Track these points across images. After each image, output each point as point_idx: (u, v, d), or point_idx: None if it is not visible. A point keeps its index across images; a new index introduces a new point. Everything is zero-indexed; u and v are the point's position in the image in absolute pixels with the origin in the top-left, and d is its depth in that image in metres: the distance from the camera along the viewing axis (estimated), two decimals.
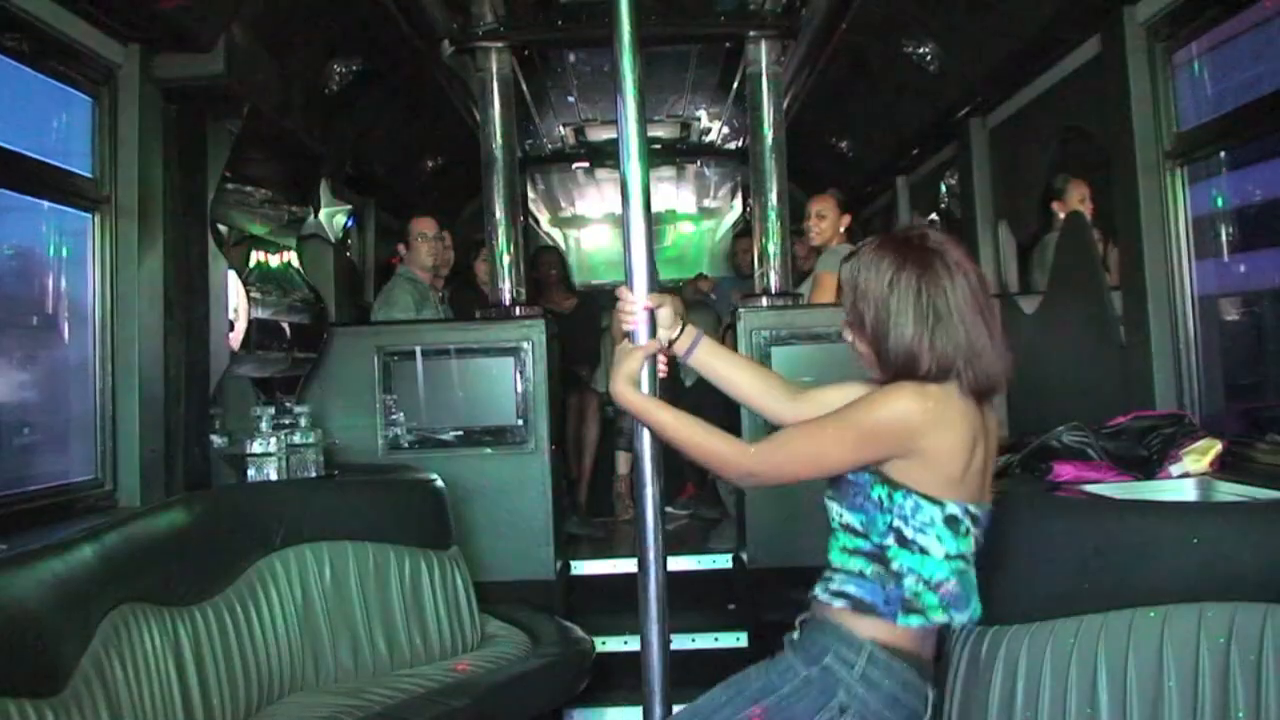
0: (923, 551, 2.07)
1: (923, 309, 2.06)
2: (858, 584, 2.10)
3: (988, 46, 4.36)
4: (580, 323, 6.78)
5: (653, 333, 2.30)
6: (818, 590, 2.16)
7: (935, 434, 2.05)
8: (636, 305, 2.25)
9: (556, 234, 9.90)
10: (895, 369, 2.09)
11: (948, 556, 2.08)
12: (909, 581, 2.07)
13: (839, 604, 2.11)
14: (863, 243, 2.34)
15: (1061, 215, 4.44)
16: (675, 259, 9.72)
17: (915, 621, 2.07)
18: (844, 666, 2.07)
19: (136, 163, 3.51)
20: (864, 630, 2.08)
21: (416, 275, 5.57)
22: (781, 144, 5.24)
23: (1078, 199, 4.31)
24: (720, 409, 5.38)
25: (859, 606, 2.09)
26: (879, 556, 2.09)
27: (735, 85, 6.33)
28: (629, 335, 2.26)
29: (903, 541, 2.07)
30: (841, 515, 2.14)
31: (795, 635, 2.20)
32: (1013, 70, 4.42)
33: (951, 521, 2.07)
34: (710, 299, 7.69)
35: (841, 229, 5.48)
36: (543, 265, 7.26)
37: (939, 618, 2.08)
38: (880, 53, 5.13)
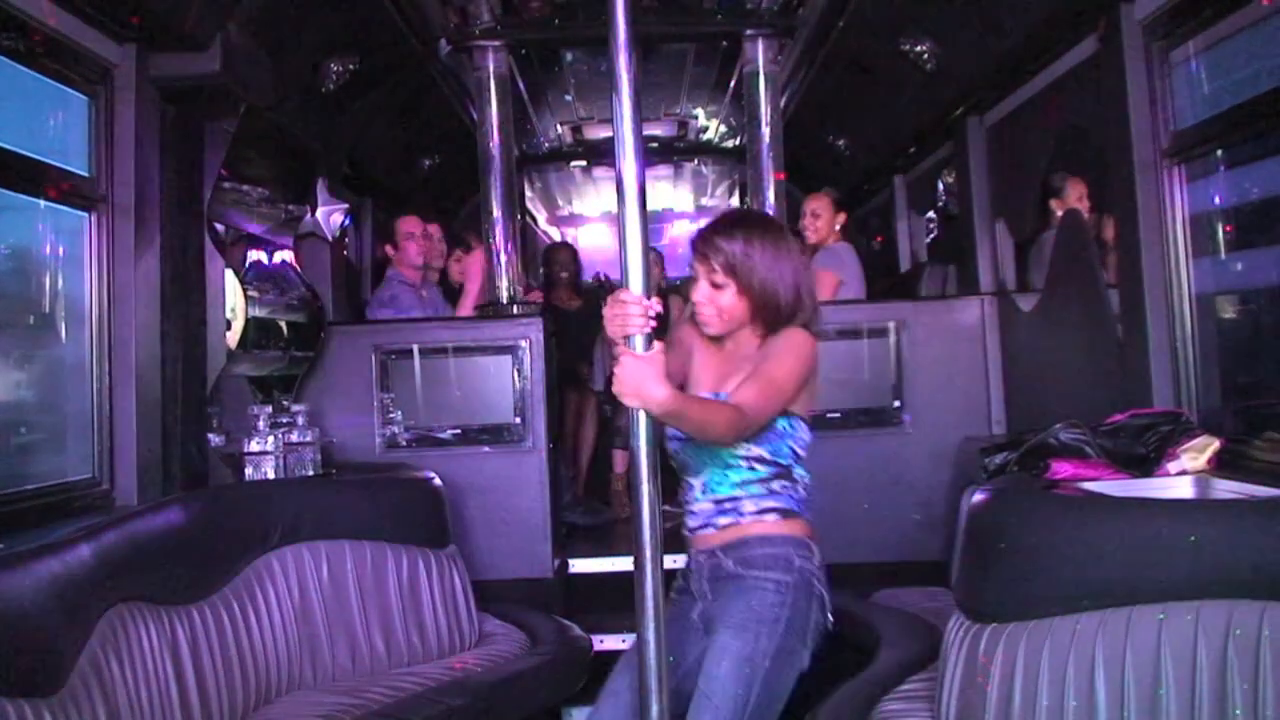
0: (803, 463, 2.63)
1: (798, 267, 2.63)
2: (776, 498, 2.59)
3: (985, 45, 4.36)
4: (584, 322, 6.76)
5: (662, 333, 2.30)
6: (730, 519, 2.60)
7: (814, 364, 2.60)
8: (642, 306, 2.21)
9: (554, 232, 9.90)
10: (780, 319, 2.59)
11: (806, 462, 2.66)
12: (801, 486, 2.63)
13: (771, 518, 2.58)
14: (718, 222, 2.69)
15: (1059, 213, 4.44)
16: (672, 258, 9.72)
17: (808, 513, 2.64)
18: (807, 561, 2.57)
19: (133, 162, 3.51)
20: (799, 529, 2.60)
21: (406, 276, 5.57)
22: (778, 142, 5.24)
23: (1075, 197, 4.31)
24: None
25: (786, 514, 2.59)
26: (786, 474, 2.61)
27: (732, 84, 6.34)
28: (627, 338, 2.23)
29: (797, 458, 2.61)
30: (749, 449, 2.57)
31: (731, 563, 2.58)
32: (1010, 69, 4.42)
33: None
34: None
35: (836, 227, 5.49)
36: (556, 263, 7.19)
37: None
38: (877, 51, 5.13)
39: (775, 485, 2.59)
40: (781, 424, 2.56)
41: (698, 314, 2.65)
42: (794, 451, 2.61)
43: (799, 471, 2.63)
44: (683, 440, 2.62)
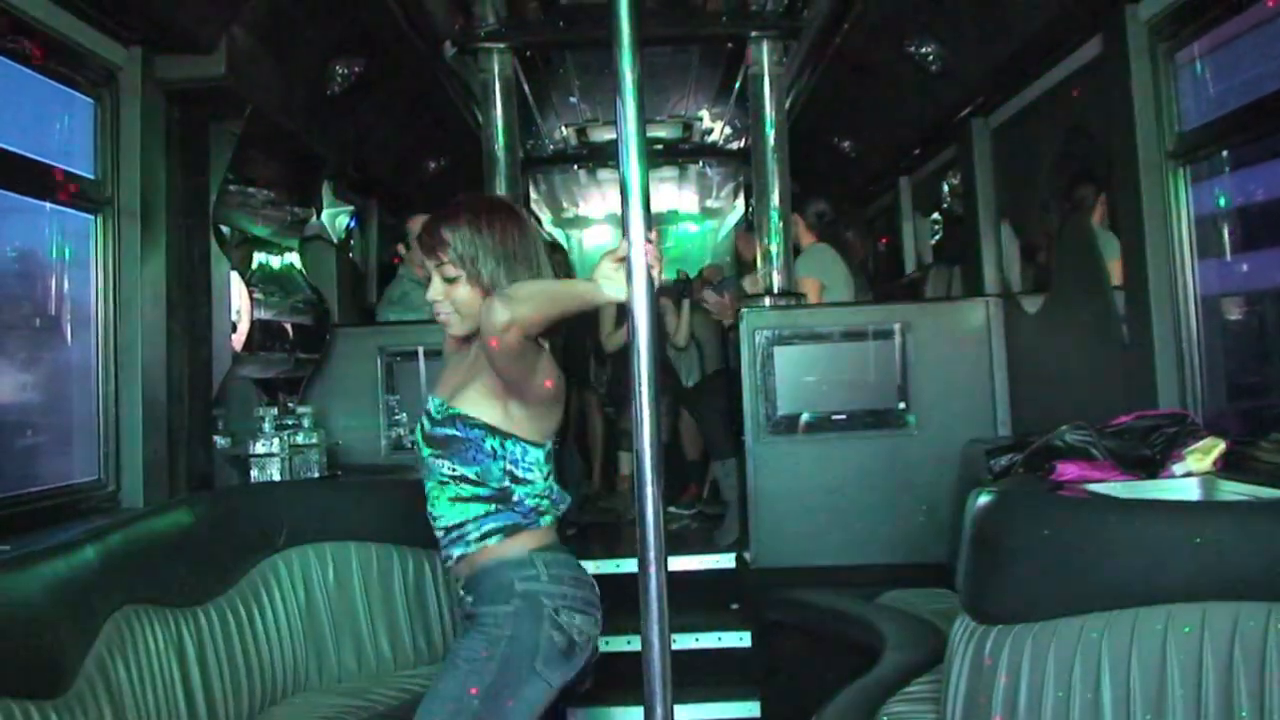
0: (528, 483, 2.42)
1: (530, 250, 2.45)
2: (495, 519, 2.40)
3: (990, 46, 4.36)
4: (576, 322, 6.74)
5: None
6: (460, 550, 2.43)
7: (548, 376, 2.39)
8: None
9: (559, 234, 9.91)
10: None
11: (544, 478, 2.45)
12: (529, 501, 2.42)
13: (493, 541, 2.40)
14: (440, 211, 2.51)
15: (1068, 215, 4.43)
16: (678, 259, 9.74)
17: (548, 520, 2.46)
18: (531, 580, 2.38)
19: (139, 164, 3.52)
20: (524, 546, 2.41)
21: (418, 276, 5.57)
22: (783, 144, 5.24)
23: (1083, 199, 4.30)
24: (722, 405, 5.40)
25: (510, 531, 2.40)
26: (501, 497, 2.41)
27: (737, 85, 6.34)
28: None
29: (515, 480, 2.40)
30: (454, 468, 2.41)
31: (470, 599, 2.45)
32: (1015, 70, 4.42)
33: (548, 458, 2.47)
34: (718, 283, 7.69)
35: (795, 226, 5.47)
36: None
37: (556, 514, 2.49)
38: (882, 53, 5.12)
39: (494, 507, 2.41)
40: (491, 443, 2.38)
41: (436, 316, 2.50)
42: (510, 474, 2.40)
43: (520, 492, 2.42)
44: (418, 446, 2.50)
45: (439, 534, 2.49)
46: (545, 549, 2.44)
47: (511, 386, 2.35)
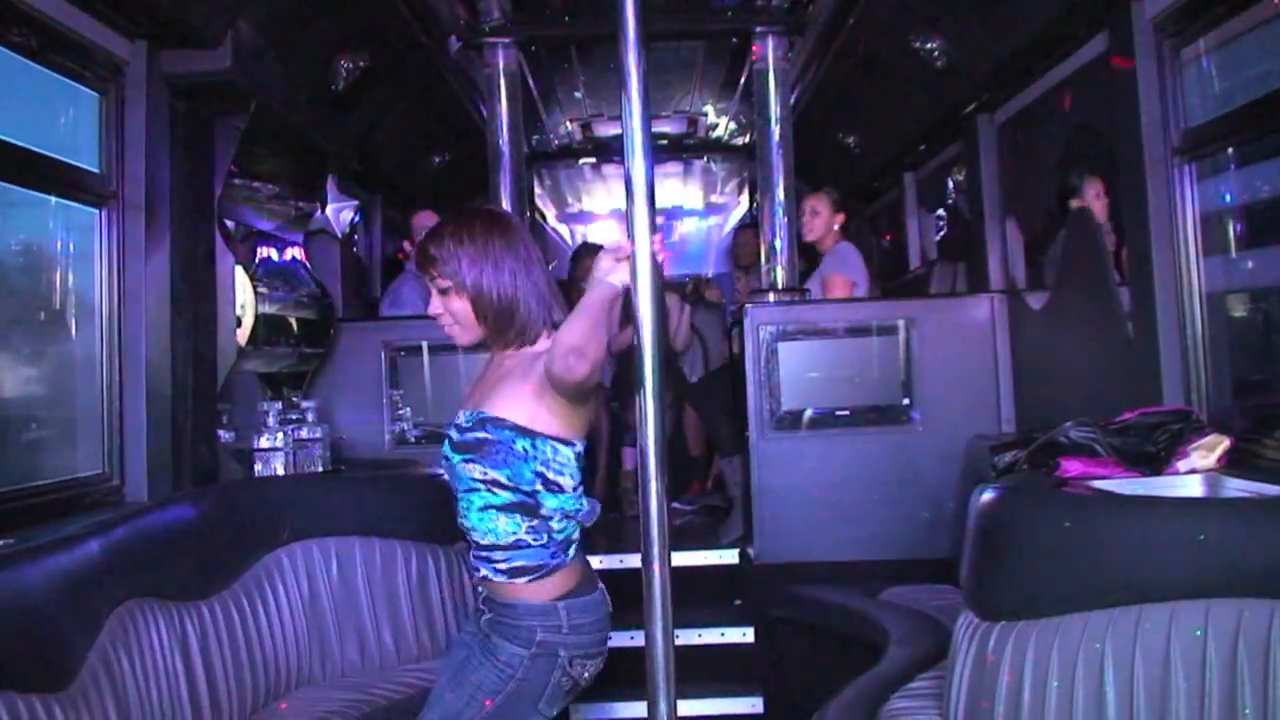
0: (560, 490, 2.40)
1: (516, 265, 2.46)
2: (526, 555, 2.39)
3: (995, 42, 4.35)
4: None
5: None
6: (486, 572, 2.43)
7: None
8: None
9: (563, 230, 9.90)
10: (511, 320, 2.47)
11: (575, 485, 2.43)
12: (555, 522, 2.41)
13: (521, 580, 2.40)
14: (433, 230, 2.56)
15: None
16: (682, 254, 9.73)
17: (573, 552, 2.46)
18: (553, 632, 2.41)
19: (144, 158, 3.52)
20: (550, 593, 2.41)
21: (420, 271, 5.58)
22: (788, 140, 5.23)
23: (1090, 195, 4.30)
24: (727, 401, 5.39)
25: (538, 575, 2.40)
26: (532, 507, 2.39)
27: (742, 81, 6.33)
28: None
29: (548, 484, 2.38)
30: (486, 472, 2.38)
31: (487, 617, 2.45)
32: (1020, 66, 4.41)
33: (578, 459, 2.44)
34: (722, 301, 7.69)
35: (835, 227, 5.45)
36: (585, 270, 7.13)
37: (577, 535, 2.49)
38: (887, 48, 5.12)
39: (524, 528, 2.38)
40: (522, 444, 2.36)
41: (441, 329, 2.56)
42: (541, 476, 2.37)
43: (551, 504, 2.39)
44: (446, 457, 2.48)
45: (471, 539, 2.48)
46: (569, 594, 2.45)
47: (564, 393, 2.35)
